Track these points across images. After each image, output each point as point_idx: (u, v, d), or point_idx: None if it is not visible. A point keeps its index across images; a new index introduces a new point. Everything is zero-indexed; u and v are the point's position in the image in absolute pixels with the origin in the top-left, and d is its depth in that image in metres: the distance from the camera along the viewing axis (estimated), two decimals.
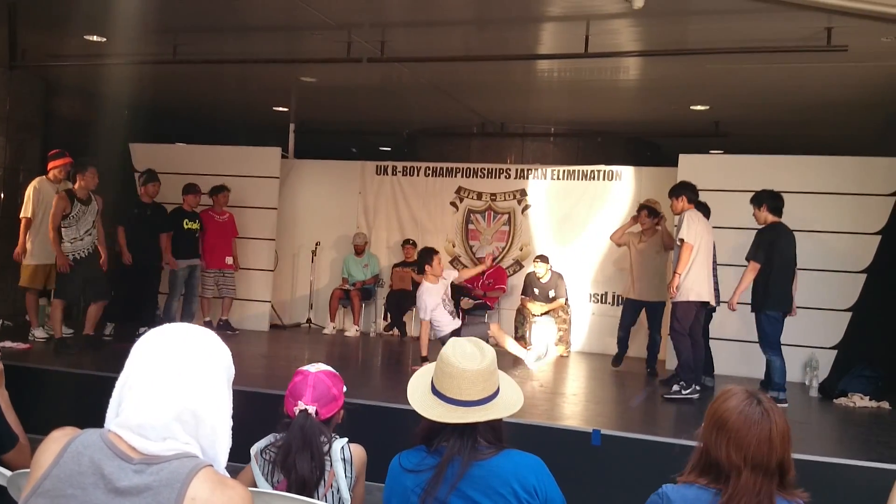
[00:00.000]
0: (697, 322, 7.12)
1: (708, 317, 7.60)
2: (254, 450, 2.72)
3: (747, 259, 7.06)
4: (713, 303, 7.20)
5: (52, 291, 8.54)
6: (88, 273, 7.76)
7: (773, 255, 6.97)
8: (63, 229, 7.61)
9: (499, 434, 2.33)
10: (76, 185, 7.79)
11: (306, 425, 2.62)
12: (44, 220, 7.99)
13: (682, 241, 6.89)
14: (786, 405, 6.85)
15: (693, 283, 6.91)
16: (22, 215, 8.15)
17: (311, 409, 2.65)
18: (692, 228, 6.88)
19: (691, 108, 9.66)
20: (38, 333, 8.23)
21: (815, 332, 8.24)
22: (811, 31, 6.38)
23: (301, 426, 2.62)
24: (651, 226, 8.37)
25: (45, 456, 1.50)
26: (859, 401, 7.21)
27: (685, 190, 7.18)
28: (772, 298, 6.96)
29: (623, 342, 8.51)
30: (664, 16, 6.53)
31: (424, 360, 7.50)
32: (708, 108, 9.63)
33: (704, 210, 7.56)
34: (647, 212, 8.38)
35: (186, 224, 9.23)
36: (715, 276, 7.39)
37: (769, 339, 7.02)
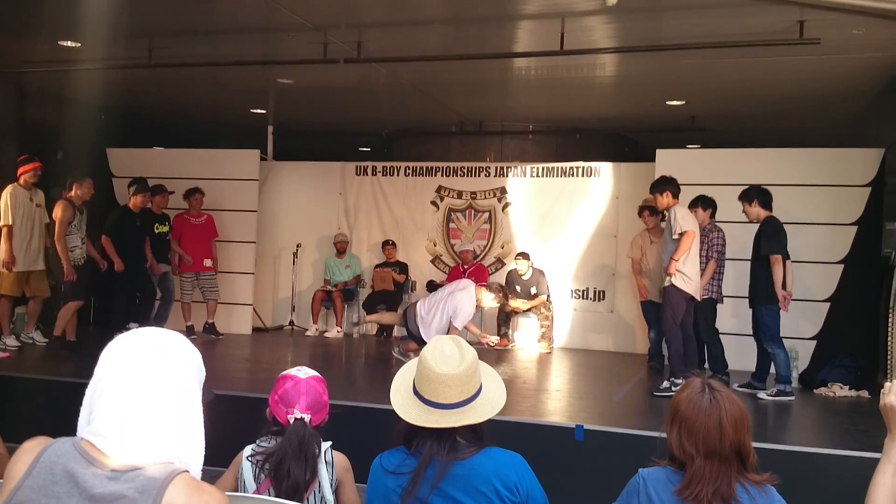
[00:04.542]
0: (689, 315, 7.04)
1: (713, 313, 7.53)
2: (246, 452, 2.70)
3: (766, 254, 6.93)
4: (698, 298, 7.17)
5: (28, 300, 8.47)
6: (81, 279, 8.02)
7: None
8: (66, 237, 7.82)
9: (479, 434, 2.32)
10: (72, 194, 7.91)
11: (304, 434, 2.59)
12: (22, 226, 8.03)
13: (682, 234, 6.75)
14: (793, 397, 6.92)
15: (692, 275, 6.85)
16: (2, 223, 8.09)
17: (307, 418, 2.62)
18: (688, 220, 6.84)
19: (667, 103, 9.70)
20: (10, 342, 8.14)
21: (794, 323, 8.28)
22: (784, 25, 6.43)
23: (299, 435, 2.58)
24: (656, 224, 8.43)
25: (18, 467, 1.49)
26: (839, 390, 7.28)
27: (669, 185, 7.07)
28: (773, 292, 6.95)
29: (658, 343, 8.42)
30: (638, 12, 6.56)
31: None
32: (684, 102, 9.68)
33: (711, 204, 7.58)
34: (648, 211, 8.45)
35: (157, 228, 9.17)
36: (721, 271, 7.46)
37: (771, 332, 7.01)
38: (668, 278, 6.89)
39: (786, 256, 7.12)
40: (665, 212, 7.12)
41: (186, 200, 9.61)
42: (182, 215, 9.61)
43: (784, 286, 6.94)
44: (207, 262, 9.63)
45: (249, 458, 2.65)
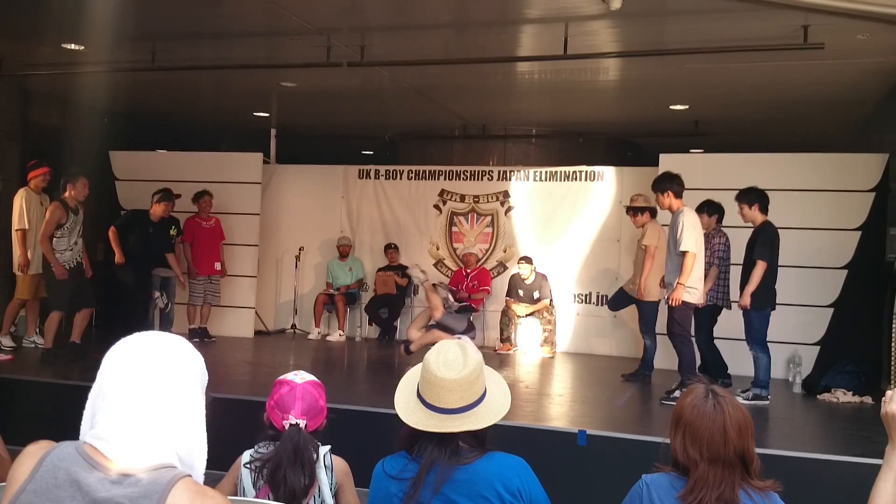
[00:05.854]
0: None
1: (714, 319, 7.41)
2: (244, 458, 2.69)
3: (757, 259, 6.86)
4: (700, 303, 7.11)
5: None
6: (76, 282, 7.79)
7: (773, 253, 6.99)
8: (55, 239, 7.57)
9: (481, 439, 2.31)
10: (66, 195, 7.76)
11: (299, 440, 2.58)
12: (36, 230, 8.01)
13: (683, 252, 6.54)
14: (768, 402, 6.84)
15: (695, 284, 6.72)
16: (17, 227, 8.11)
17: (302, 423, 2.61)
18: (691, 235, 6.57)
19: (671, 107, 9.70)
20: (6, 342, 8.14)
21: (797, 328, 8.29)
22: (788, 30, 6.42)
23: (294, 442, 2.57)
24: (645, 222, 8.10)
25: (20, 471, 1.48)
26: (842, 396, 7.25)
27: (670, 184, 6.80)
28: (764, 296, 6.92)
29: (653, 351, 8.11)
30: (642, 16, 6.56)
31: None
32: (687, 107, 9.67)
33: (717, 210, 7.46)
34: (632, 212, 8.21)
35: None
36: (727, 277, 7.38)
37: (758, 336, 6.94)
38: (675, 302, 6.68)
39: (776, 264, 7.10)
40: (669, 211, 6.98)
41: (196, 203, 9.58)
42: (193, 218, 9.58)
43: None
44: (217, 266, 9.62)
45: (247, 466, 2.65)
